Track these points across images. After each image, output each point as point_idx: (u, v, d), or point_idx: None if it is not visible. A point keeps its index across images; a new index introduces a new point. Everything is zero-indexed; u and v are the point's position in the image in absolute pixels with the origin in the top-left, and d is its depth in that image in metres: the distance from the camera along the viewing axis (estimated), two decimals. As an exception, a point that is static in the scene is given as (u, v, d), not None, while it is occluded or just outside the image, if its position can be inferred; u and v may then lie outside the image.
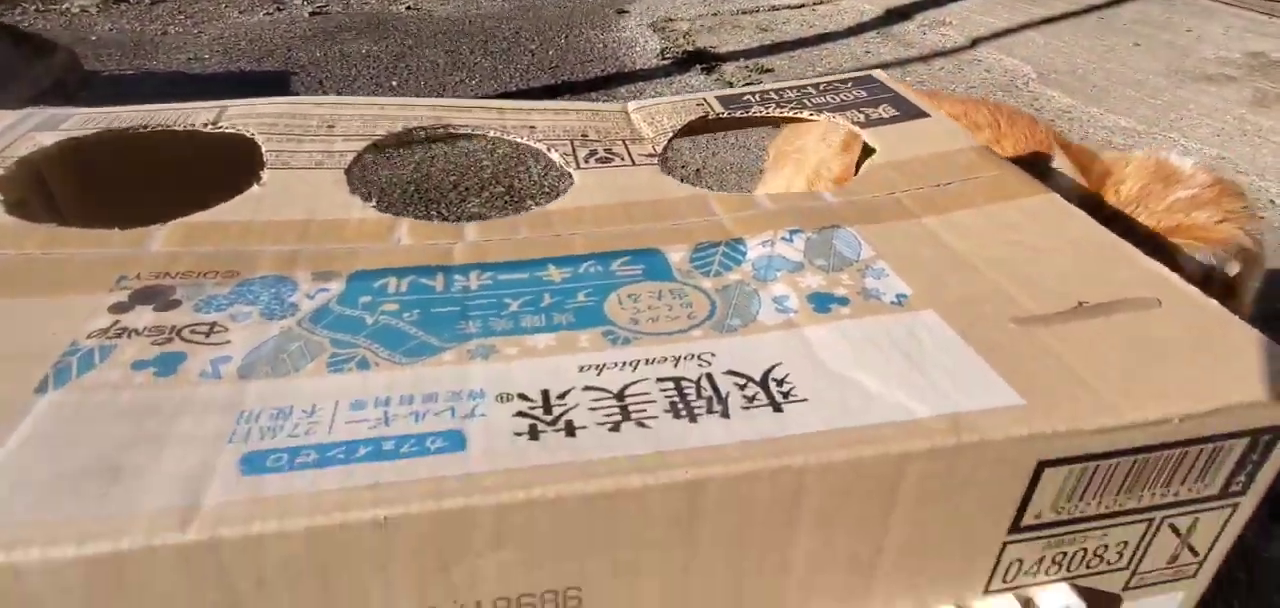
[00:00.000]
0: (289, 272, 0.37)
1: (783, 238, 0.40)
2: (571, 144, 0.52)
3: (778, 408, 0.28)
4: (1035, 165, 0.81)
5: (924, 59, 1.85)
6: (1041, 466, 0.28)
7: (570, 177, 0.48)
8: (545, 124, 0.55)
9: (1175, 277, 0.36)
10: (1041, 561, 0.32)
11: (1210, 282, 0.54)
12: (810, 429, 0.27)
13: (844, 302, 0.35)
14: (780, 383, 0.30)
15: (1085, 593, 0.34)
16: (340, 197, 0.44)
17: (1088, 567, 0.33)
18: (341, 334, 0.33)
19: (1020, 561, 0.32)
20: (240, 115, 0.52)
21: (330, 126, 0.52)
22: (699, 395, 0.29)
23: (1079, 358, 0.31)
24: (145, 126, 0.51)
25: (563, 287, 0.36)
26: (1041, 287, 0.35)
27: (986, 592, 0.32)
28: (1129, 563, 0.33)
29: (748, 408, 0.28)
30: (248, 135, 0.50)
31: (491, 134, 0.54)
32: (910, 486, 0.28)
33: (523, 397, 0.29)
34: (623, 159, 0.50)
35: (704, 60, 1.84)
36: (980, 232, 0.40)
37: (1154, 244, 0.55)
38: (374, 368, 0.31)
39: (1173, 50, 1.80)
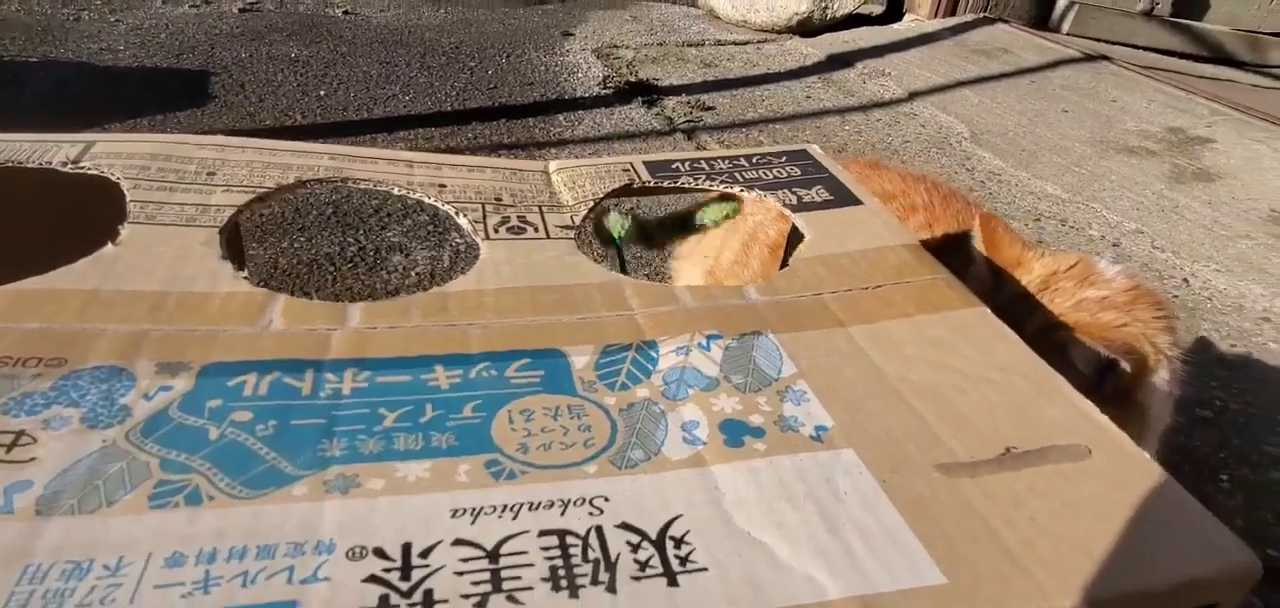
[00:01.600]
0: (129, 361, 0.32)
1: (699, 344, 0.37)
2: (483, 208, 0.48)
3: (673, 580, 0.25)
4: (962, 244, 0.81)
5: (863, 109, 1.87)
6: (963, 654, 0.26)
7: (477, 248, 0.44)
8: (457, 182, 0.50)
9: (1107, 422, 0.34)
10: None
11: (1103, 383, 0.53)
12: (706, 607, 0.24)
13: (759, 433, 0.32)
14: (679, 543, 0.26)
15: None
16: (208, 263, 0.39)
17: None
18: (175, 453, 0.28)
19: None
20: (108, 154, 0.46)
21: (211, 173, 0.46)
22: (585, 558, 0.25)
23: (1006, 524, 0.28)
24: (-9, 160, 0.45)
25: (448, 396, 0.32)
26: (968, 426, 0.33)
27: None
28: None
29: (639, 578, 0.25)
30: (112, 179, 0.44)
31: (397, 191, 0.49)
32: (818, 678, 0.24)
33: (379, 553, 0.25)
34: (536, 230, 0.46)
35: (646, 92, 1.82)
36: (908, 349, 0.37)
37: (1049, 330, 0.54)
38: (206, 502, 0.26)
39: (1098, 120, 1.85)
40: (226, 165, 0.47)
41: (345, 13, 2.23)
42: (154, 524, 0.25)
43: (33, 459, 0.27)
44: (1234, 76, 2.20)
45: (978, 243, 0.61)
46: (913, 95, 1.96)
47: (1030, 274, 0.58)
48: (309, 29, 2.03)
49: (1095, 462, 0.32)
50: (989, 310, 0.41)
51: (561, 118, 1.63)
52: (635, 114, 1.69)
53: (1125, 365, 0.52)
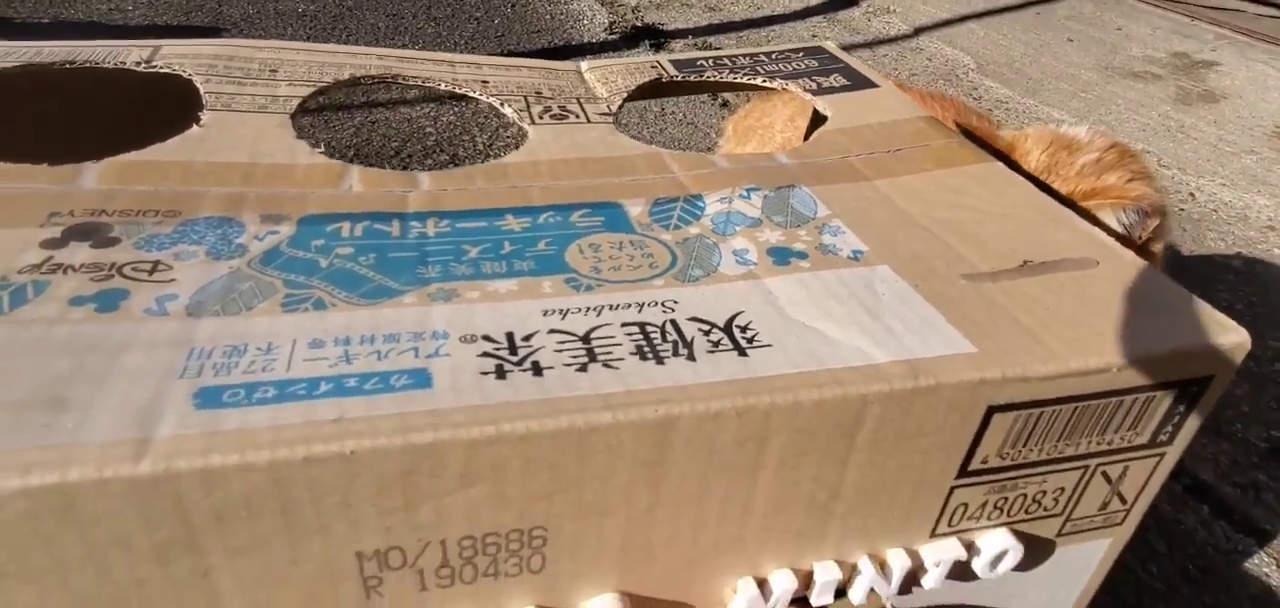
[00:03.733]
0: (235, 213, 0.36)
1: (740, 195, 0.40)
2: (525, 100, 0.51)
3: (742, 352, 0.29)
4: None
5: (869, 46, 1.89)
6: (991, 411, 0.30)
7: (524, 132, 0.47)
8: (498, 79, 0.54)
9: (1110, 239, 0.37)
10: (984, 505, 0.33)
11: (1128, 239, 0.57)
12: (775, 372, 0.28)
13: (803, 255, 0.35)
14: (744, 329, 0.30)
15: (1022, 538, 0.35)
16: (286, 141, 0.42)
17: (1026, 513, 0.34)
18: (295, 275, 0.32)
19: (965, 505, 0.33)
20: (176, 54, 0.50)
21: (273, 71, 0.50)
22: (664, 339, 0.29)
23: (1025, 311, 0.32)
24: (72, 63, 0.48)
25: (522, 235, 0.36)
26: (988, 246, 0.36)
27: (933, 536, 0.34)
28: (1063, 509, 0.35)
29: (713, 352, 0.29)
30: (185, 76, 0.48)
31: (443, 87, 0.53)
32: (868, 428, 0.28)
33: (487, 338, 0.29)
34: (577, 117, 0.50)
35: (652, 36, 1.83)
36: (929, 195, 0.41)
37: (1074, 209, 0.58)
38: (331, 309, 0.30)
39: (1103, 47, 1.87)
40: (285, 64, 0.51)
41: (349, -31, 2.24)
42: (291, 323, 0.29)
43: (174, 279, 0.31)
44: (1240, 6, 2.21)
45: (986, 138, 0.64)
46: (918, 31, 1.97)
47: (1031, 156, 0.61)
48: (315, -15, 2.04)
49: (1102, 269, 0.35)
50: (1000, 163, 0.44)
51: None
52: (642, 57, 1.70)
53: (1151, 218, 0.56)
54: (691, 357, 0.28)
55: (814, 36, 1.91)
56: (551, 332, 0.29)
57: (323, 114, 1.35)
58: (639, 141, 0.47)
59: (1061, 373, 0.29)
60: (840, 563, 0.33)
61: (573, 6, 2.00)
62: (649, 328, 0.30)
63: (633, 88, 0.55)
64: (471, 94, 0.52)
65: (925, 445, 0.30)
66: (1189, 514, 0.70)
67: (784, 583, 0.32)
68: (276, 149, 0.42)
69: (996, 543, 0.34)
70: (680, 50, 1.73)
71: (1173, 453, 0.35)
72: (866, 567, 0.33)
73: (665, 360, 0.28)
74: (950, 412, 0.29)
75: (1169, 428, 0.34)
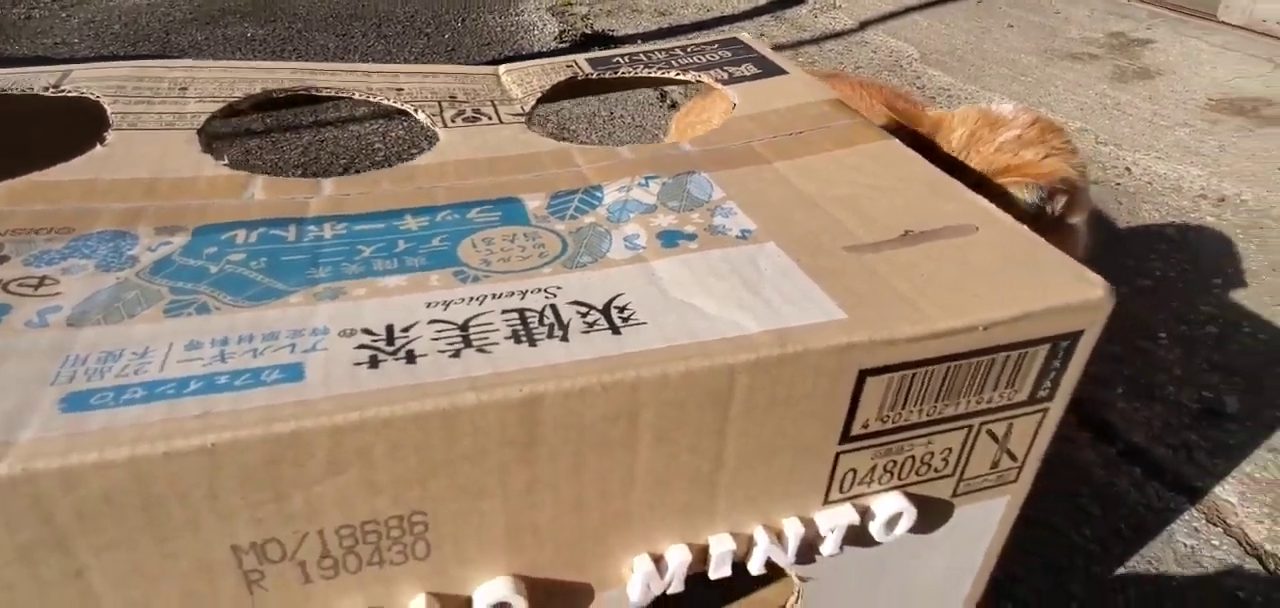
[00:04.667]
0: (130, 227, 0.36)
1: (639, 183, 0.41)
2: (439, 105, 0.52)
3: (616, 331, 0.29)
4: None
5: (815, 41, 1.91)
6: (863, 374, 0.31)
7: (436, 136, 0.48)
8: (413, 86, 0.54)
9: (994, 208, 0.39)
10: (873, 469, 0.34)
11: (1042, 216, 0.58)
12: (646, 347, 0.28)
13: (692, 237, 0.36)
14: (622, 310, 0.31)
15: (918, 501, 0.36)
16: (191, 155, 0.43)
17: (917, 474, 0.35)
18: (182, 282, 0.32)
19: (854, 470, 0.34)
20: (86, 78, 0.50)
21: (183, 89, 0.50)
22: (541, 323, 0.30)
23: (900, 278, 0.33)
24: (-22, 90, 0.48)
25: (418, 233, 0.37)
26: (875, 220, 0.37)
27: (826, 503, 0.35)
28: (955, 469, 0.36)
29: (588, 333, 0.29)
30: (92, 98, 0.48)
31: (357, 96, 0.53)
32: (741, 397, 0.29)
33: (367, 332, 0.29)
34: (490, 118, 0.50)
35: (602, 43, 1.84)
36: (826, 174, 0.42)
37: (985, 186, 0.59)
38: (215, 312, 0.30)
39: (1043, 31, 1.91)
40: (197, 82, 0.51)
41: (299, -9, 2.23)
42: (171, 327, 0.29)
43: (58, 292, 0.31)
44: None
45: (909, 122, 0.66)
46: (863, 24, 2.00)
47: (953, 134, 0.62)
48: (264, 9, 2.03)
49: (982, 235, 0.36)
50: (898, 141, 0.46)
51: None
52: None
53: (1062, 194, 0.57)
54: (565, 338, 0.29)
55: (762, 35, 1.93)
56: (432, 322, 0.30)
57: (270, 135, 1.34)
58: (552, 140, 0.47)
59: (929, 334, 0.30)
60: (735, 535, 0.34)
61: (523, 17, 2.00)
62: (528, 313, 0.30)
63: (547, 88, 0.56)
64: (386, 102, 0.53)
65: (801, 412, 0.31)
66: (1122, 477, 0.71)
67: (679, 557, 0.32)
68: (181, 164, 0.42)
69: (890, 506, 0.35)
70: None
71: (1056, 407, 0.36)
72: (761, 537, 0.34)
73: (538, 343, 0.29)
74: (820, 377, 0.30)
75: (1047, 384, 0.35)
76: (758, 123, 0.48)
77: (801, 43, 1.90)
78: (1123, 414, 0.79)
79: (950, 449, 0.35)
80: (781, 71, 0.56)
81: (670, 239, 0.36)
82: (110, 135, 0.44)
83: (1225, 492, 0.70)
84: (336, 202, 0.39)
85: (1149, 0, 2.03)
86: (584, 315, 0.30)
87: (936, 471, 0.36)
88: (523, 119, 0.50)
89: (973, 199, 0.39)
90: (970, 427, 0.35)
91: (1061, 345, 0.33)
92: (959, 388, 0.33)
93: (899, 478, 0.35)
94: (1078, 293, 0.33)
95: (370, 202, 0.39)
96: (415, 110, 0.51)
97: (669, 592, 0.33)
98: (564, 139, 0.55)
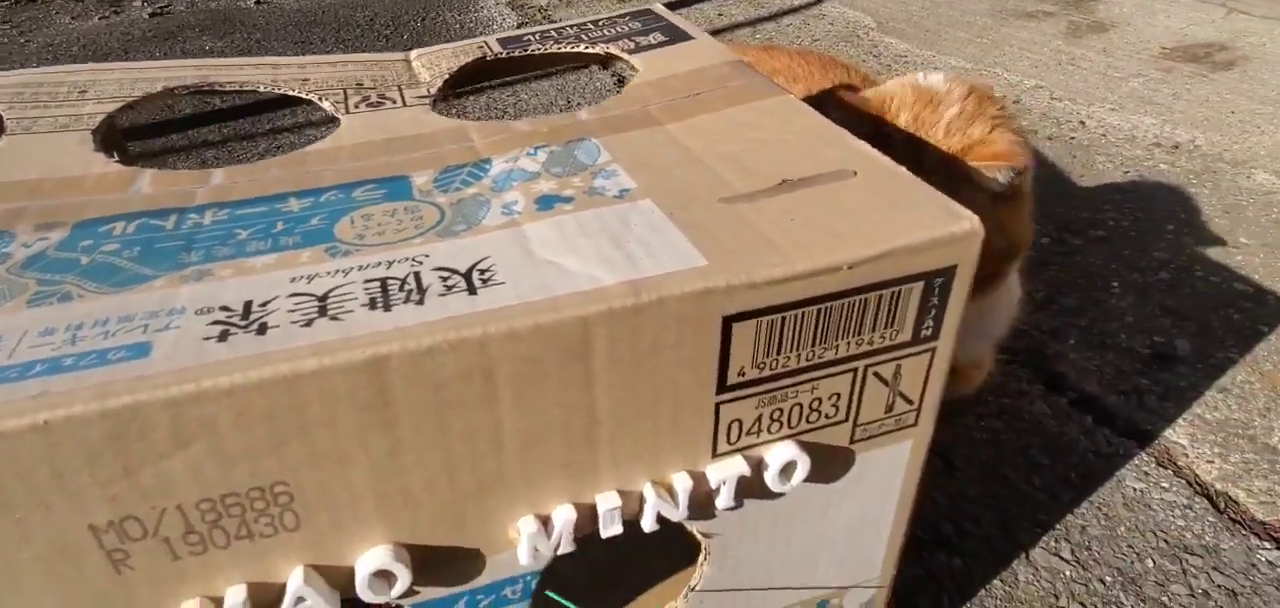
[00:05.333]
0: (9, 227, 0.36)
1: (527, 153, 0.41)
2: (344, 92, 0.51)
3: (473, 292, 0.29)
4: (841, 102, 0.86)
5: (773, 17, 1.91)
6: (728, 321, 0.30)
7: (337, 122, 0.48)
8: (320, 76, 0.54)
9: (875, 152, 0.38)
10: (760, 419, 0.34)
11: (1008, 192, 0.58)
12: (498, 305, 0.28)
13: (568, 199, 0.36)
14: (484, 273, 0.31)
15: (816, 449, 0.36)
16: (83, 154, 0.42)
17: (808, 422, 0.35)
18: (50, 274, 0.32)
19: (739, 421, 0.34)
20: (-15, 89, 0.50)
21: (82, 92, 0.50)
22: (401, 290, 0.30)
23: (770, 224, 0.33)
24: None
25: (298, 215, 0.36)
26: (755, 171, 0.37)
27: (716, 456, 0.35)
28: (848, 415, 0.36)
29: (445, 295, 0.29)
30: (-10, 107, 0.47)
31: (262, 89, 0.53)
32: (602, 350, 0.29)
33: (225, 309, 0.29)
34: (394, 103, 0.50)
35: (562, 34, 1.84)
36: (716, 132, 0.42)
37: (949, 170, 0.58)
38: (77, 300, 0.30)
39: (1001, -7, 1.91)
40: (97, 84, 0.51)
41: (257, 2, 2.22)
42: (30, 316, 0.29)
43: (-80, 293, 0.31)
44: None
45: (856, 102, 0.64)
46: (824, -1, 2.00)
47: (900, 117, 0.62)
48: (222, 22, 2.02)
49: (859, 180, 0.36)
50: (794, 97, 0.45)
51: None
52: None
53: (1027, 171, 0.57)
54: (421, 302, 0.29)
55: (720, 15, 1.93)
56: (292, 296, 0.30)
57: (227, 145, 1.33)
58: (451, 119, 0.47)
59: (789, 276, 0.30)
60: (624, 493, 0.34)
61: (482, 13, 2.00)
62: (390, 281, 0.30)
63: (455, 70, 0.56)
64: (291, 92, 0.53)
65: (670, 362, 0.31)
66: (1073, 426, 0.72)
67: (565, 516, 0.32)
68: (71, 163, 0.42)
69: (782, 455, 0.35)
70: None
71: (944, 344, 0.36)
72: (650, 493, 0.34)
73: (394, 308, 0.28)
74: (684, 326, 0.30)
75: (929, 322, 0.35)
76: (657, 87, 0.48)
77: (759, 19, 1.89)
78: (1075, 364, 0.79)
79: (838, 394, 0.35)
80: (688, 38, 0.56)
81: (547, 203, 0.36)
82: (2, 141, 0.44)
83: (1176, 434, 0.70)
84: (223, 189, 0.39)
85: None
86: (445, 280, 0.30)
87: (828, 417, 0.36)
88: (427, 102, 0.50)
89: (857, 146, 0.39)
90: (855, 370, 0.35)
91: (936, 282, 0.33)
92: (835, 330, 0.33)
93: (790, 426, 0.35)
94: (943, 227, 0.33)
95: (257, 187, 0.39)
96: (319, 99, 0.51)
97: (560, 551, 0.33)
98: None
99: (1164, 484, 0.65)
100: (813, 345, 0.33)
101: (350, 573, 0.30)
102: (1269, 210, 1.02)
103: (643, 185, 0.37)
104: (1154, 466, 0.67)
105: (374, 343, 0.26)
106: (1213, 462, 0.66)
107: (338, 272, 0.31)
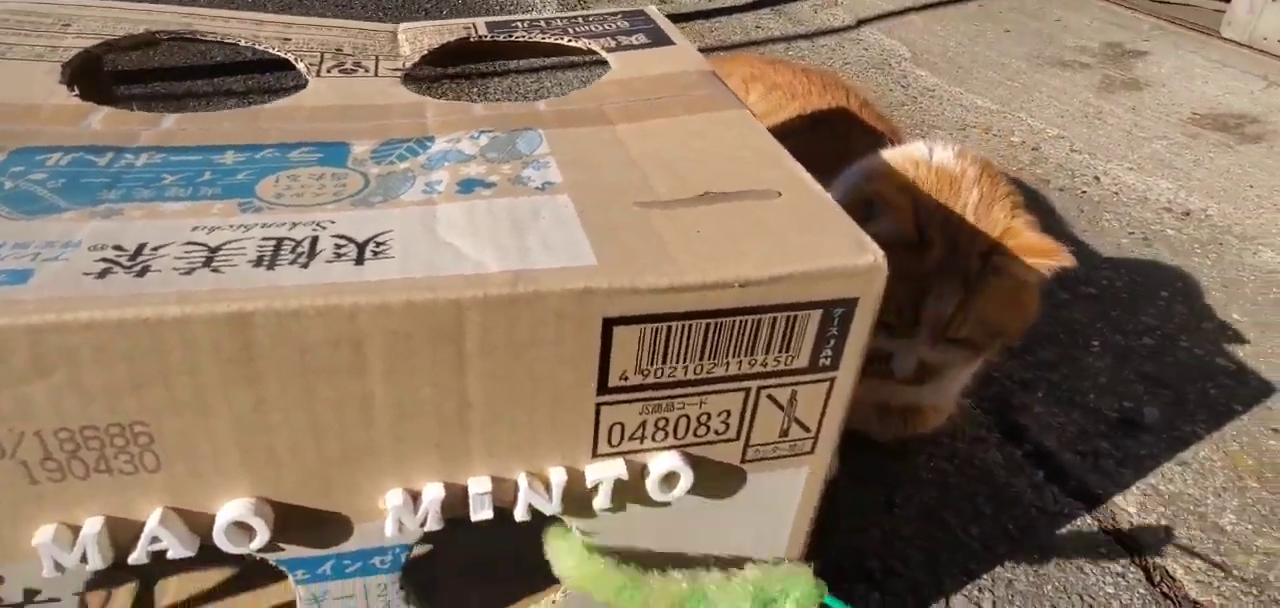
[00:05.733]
0: (-51, 147, 0.37)
1: (470, 136, 0.41)
2: (321, 56, 0.52)
3: (360, 262, 0.30)
4: (835, 123, 0.85)
5: (809, 37, 1.90)
6: (609, 323, 0.31)
7: (305, 83, 0.48)
8: (302, 38, 0.55)
9: (809, 179, 0.38)
10: (645, 426, 0.34)
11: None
12: (377, 278, 0.29)
13: (490, 185, 0.36)
14: (379, 245, 0.31)
15: (704, 464, 0.36)
16: (47, 85, 0.43)
17: (695, 435, 0.36)
18: (-33, 196, 0.33)
19: (621, 424, 0.34)
20: (-31, 9, 0.51)
21: (66, 25, 0.51)
22: (293, 252, 0.30)
23: (675, 233, 0.33)
24: None
25: (229, 168, 0.37)
26: (685, 181, 0.37)
27: (596, 456, 0.35)
28: (739, 434, 0.36)
29: (332, 262, 0.30)
30: (-31, 28, 0.49)
31: (243, 43, 0.54)
32: (474, 336, 0.29)
33: (118, 248, 0.30)
34: (367, 71, 0.51)
35: (592, 25, 1.84)
36: (662, 136, 0.42)
37: (988, 256, 0.57)
38: (-18, 224, 0.31)
39: (1038, 37, 1.88)
40: (81, 19, 0.52)
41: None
42: (-70, 232, 0.30)
43: None
44: (1190, -1, 2.22)
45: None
46: (861, 22, 1.98)
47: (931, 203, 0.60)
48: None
49: (782, 201, 0.36)
50: (750, 113, 0.45)
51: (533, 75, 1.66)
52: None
53: (1066, 268, 0.56)
54: (306, 266, 0.29)
55: (758, 28, 1.92)
56: (187, 244, 0.30)
57: (248, 96, 1.36)
58: (416, 94, 0.48)
59: (676, 286, 0.30)
60: (499, 480, 0.34)
61: (519, -4, 2.01)
62: (285, 242, 0.31)
63: (437, 47, 0.56)
64: (271, 51, 0.54)
65: (549, 357, 0.31)
66: (1022, 479, 0.71)
67: (434, 494, 0.33)
68: (35, 93, 0.43)
69: (664, 464, 0.35)
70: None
71: (845, 376, 0.36)
72: (524, 482, 0.34)
73: (277, 267, 0.29)
74: (562, 322, 0.30)
75: (828, 351, 0.35)
76: (622, 87, 0.48)
77: (795, 37, 1.88)
78: (1038, 418, 0.78)
79: (728, 411, 0.35)
80: (669, 42, 0.56)
81: (468, 186, 0.36)
82: (-27, 64, 0.45)
83: (1125, 502, 0.69)
84: (169, 135, 0.40)
85: (1153, 13, 2.00)
86: (339, 248, 0.31)
87: (717, 433, 0.36)
88: (399, 74, 0.51)
89: (793, 170, 0.39)
90: (747, 390, 0.35)
91: (835, 312, 0.33)
92: (725, 348, 0.33)
93: (676, 437, 0.35)
94: (846, 258, 0.32)
95: (201, 137, 0.40)
96: (295, 60, 0.52)
97: (427, 528, 0.33)
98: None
99: (1102, 549, 0.64)
100: (701, 359, 0.33)
101: (211, 521, 0.31)
102: (1268, 289, 1.00)
103: (568, 181, 0.37)
104: (1096, 529, 0.66)
105: (242, 298, 0.27)
106: (1157, 534, 0.65)
107: (241, 227, 0.32)
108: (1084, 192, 1.22)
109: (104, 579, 0.34)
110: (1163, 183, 1.24)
